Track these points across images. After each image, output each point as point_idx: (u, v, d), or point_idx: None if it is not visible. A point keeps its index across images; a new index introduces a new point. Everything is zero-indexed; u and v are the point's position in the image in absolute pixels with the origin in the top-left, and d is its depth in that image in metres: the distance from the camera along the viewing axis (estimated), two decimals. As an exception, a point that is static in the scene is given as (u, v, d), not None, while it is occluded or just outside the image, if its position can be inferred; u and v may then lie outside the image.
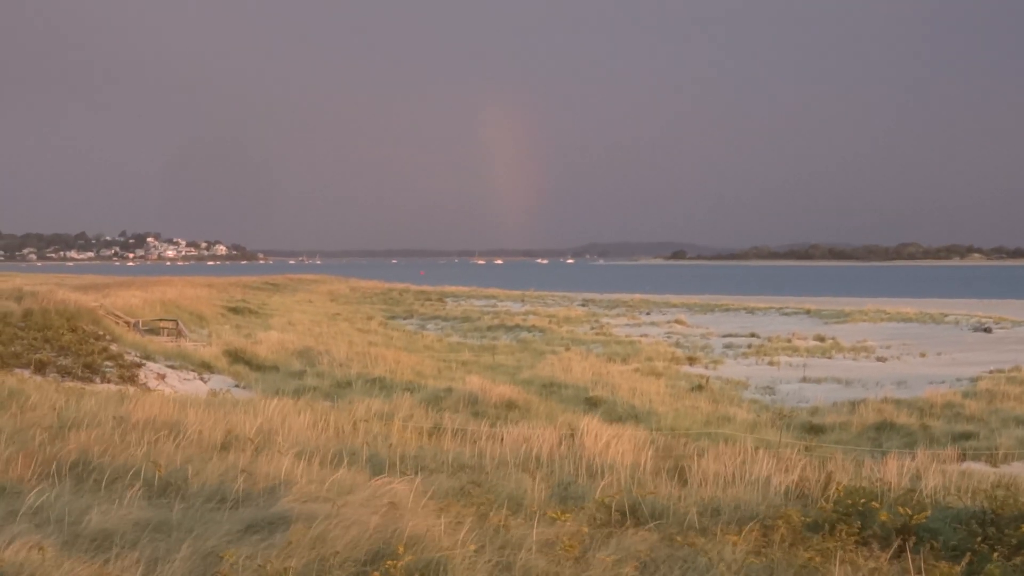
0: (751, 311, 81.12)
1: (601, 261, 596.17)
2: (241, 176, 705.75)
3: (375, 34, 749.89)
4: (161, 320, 45.58)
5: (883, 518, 9.53)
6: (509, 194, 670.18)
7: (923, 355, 47.27)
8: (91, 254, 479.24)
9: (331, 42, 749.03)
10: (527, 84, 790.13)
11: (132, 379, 29.14)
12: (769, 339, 54.74)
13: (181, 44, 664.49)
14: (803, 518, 9.75)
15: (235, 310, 62.54)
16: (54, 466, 11.00)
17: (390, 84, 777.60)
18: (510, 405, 26.52)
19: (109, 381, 28.24)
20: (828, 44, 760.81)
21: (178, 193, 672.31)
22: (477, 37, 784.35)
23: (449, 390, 28.55)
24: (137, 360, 32.12)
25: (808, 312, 77.74)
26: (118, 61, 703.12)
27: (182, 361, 34.00)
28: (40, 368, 27.71)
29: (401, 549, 8.09)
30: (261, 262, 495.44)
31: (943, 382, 36.40)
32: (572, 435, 15.38)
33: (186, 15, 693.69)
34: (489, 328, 62.07)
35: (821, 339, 54.85)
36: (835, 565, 8.39)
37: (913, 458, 15.59)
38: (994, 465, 21.86)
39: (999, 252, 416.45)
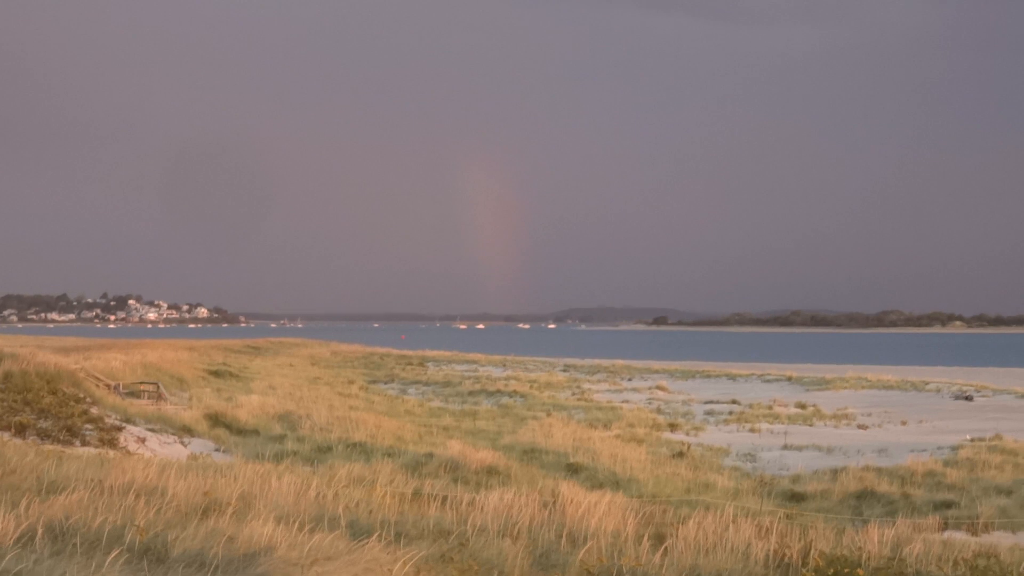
0: (732, 378, 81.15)
1: (583, 326, 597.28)
2: (223, 239, 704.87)
3: (354, 96, 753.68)
4: (142, 383, 45.37)
5: (864, 587, 9.51)
6: (491, 259, 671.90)
7: (904, 423, 47.32)
8: (72, 316, 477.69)
9: (310, 104, 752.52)
10: (509, 148, 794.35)
11: (112, 442, 28.97)
12: (750, 406, 54.74)
13: (161, 105, 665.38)
14: (784, 586, 9.73)
15: (216, 373, 62.31)
16: (33, 530, 10.93)
17: (369, 147, 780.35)
18: (491, 471, 26.44)
19: (89, 444, 28.07)
20: (809, 114, 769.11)
21: (160, 256, 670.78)
22: (458, 99, 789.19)
23: (430, 455, 28.46)
24: (118, 423, 31.96)
25: (789, 379, 77.81)
26: (102, 125, 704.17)
27: (162, 424, 33.83)
28: (20, 431, 27.53)
29: (382, 616, 8.05)
30: (243, 325, 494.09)
31: (924, 450, 36.43)
32: (554, 501, 15.36)
33: (167, 75, 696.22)
34: (470, 393, 61.94)
35: (802, 406, 54.86)
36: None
37: (894, 526, 15.60)
38: (975, 534, 21.87)
39: (980, 320, 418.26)
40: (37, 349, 48.74)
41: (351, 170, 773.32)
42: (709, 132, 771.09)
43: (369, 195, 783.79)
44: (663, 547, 12.07)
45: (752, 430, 44.32)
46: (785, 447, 38.26)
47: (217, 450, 31.15)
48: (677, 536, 12.53)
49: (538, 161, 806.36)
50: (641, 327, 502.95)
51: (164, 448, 30.10)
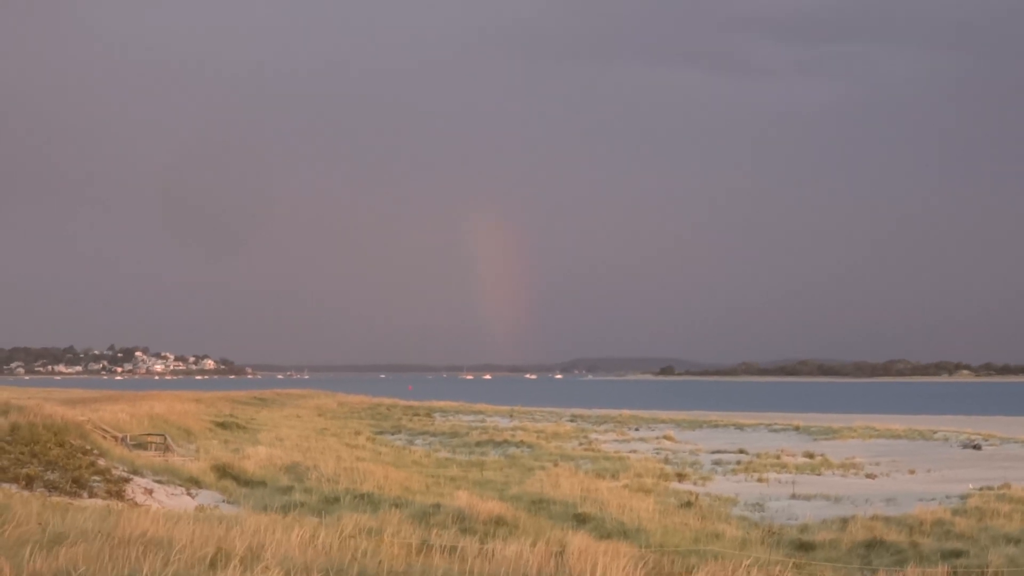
0: (740, 427, 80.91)
1: (590, 376, 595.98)
2: (230, 290, 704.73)
3: (356, 147, 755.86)
4: (149, 435, 45.35)
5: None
6: (497, 309, 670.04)
7: (912, 472, 47.13)
8: (79, 368, 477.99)
9: (312, 155, 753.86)
10: (516, 199, 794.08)
11: (120, 494, 28.93)
12: (758, 455, 54.56)
13: (161, 160, 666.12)
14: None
15: (223, 425, 62.24)
16: (41, 582, 10.91)
17: (375, 196, 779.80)
18: (499, 521, 26.35)
19: (97, 496, 28.04)
20: (817, 166, 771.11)
21: (167, 307, 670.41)
22: (464, 151, 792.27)
23: (438, 506, 28.38)
24: (125, 475, 31.93)
25: (797, 428, 77.56)
26: (108, 177, 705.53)
27: (170, 476, 33.79)
28: (27, 483, 27.51)
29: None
30: (249, 376, 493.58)
31: (933, 499, 36.26)
32: (562, 551, 15.32)
33: (168, 128, 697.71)
34: (477, 443, 61.78)
35: (810, 456, 54.66)
36: None
37: (903, 576, 15.53)
38: (985, 583, 21.73)
39: (987, 368, 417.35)
40: (44, 401, 48.77)
41: (356, 221, 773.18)
42: (716, 184, 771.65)
43: (374, 246, 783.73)
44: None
45: (760, 480, 44.15)
46: (793, 496, 38.10)
47: (224, 501, 31.09)
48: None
49: (545, 212, 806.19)
50: (648, 377, 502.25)
51: (171, 499, 30.05)
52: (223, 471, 36.37)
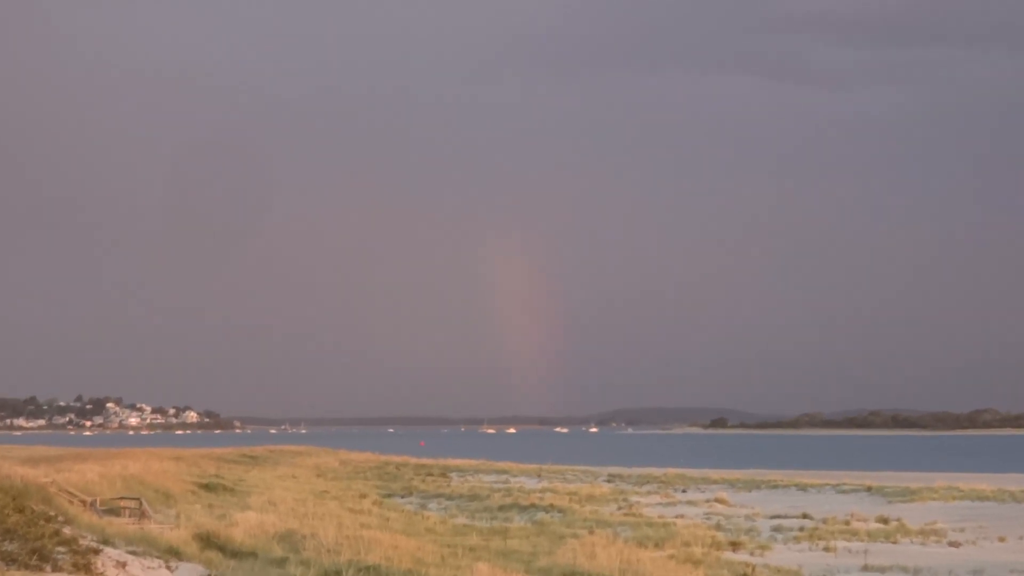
0: (803, 488, 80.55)
1: (629, 430, 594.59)
2: (215, 332, 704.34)
3: (366, 176, 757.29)
4: (122, 499, 45.39)
5: None
6: (522, 354, 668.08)
7: (1003, 539, 46.78)
8: (42, 422, 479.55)
9: (320, 177, 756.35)
10: (543, 228, 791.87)
11: (88, 567, 28.92)
12: (824, 521, 54.28)
13: (144, 198, 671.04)
14: None
15: (208, 487, 62.32)
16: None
17: (383, 221, 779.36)
18: (524, 598, 26.26)
19: (62, 569, 28.05)
20: (886, 184, 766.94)
21: (143, 352, 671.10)
22: (485, 175, 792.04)
23: (454, 580, 28.31)
24: (94, 545, 31.93)
25: (869, 489, 77.16)
26: (70, 212, 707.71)
27: (146, 546, 33.79)
28: (-19, 554, 27.53)
29: None
30: (238, 431, 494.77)
31: (1028, 571, 35.96)
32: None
33: (153, 166, 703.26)
34: (500, 508, 61.67)
35: (884, 521, 54.33)
36: None
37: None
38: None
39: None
40: (1, 460, 48.91)
41: (362, 257, 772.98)
42: (771, 206, 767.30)
43: (382, 284, 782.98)
44: None
45: (827, 549, 43.91)
46: (865, 568, 37.87)
47: (209, 575, 31.07)
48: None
49: (576, 242, 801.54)
50: (697, 430, 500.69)
51: (147, 573, 30.04)
52: (207, 540, 36.35)
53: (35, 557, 28.62)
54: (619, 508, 63.30)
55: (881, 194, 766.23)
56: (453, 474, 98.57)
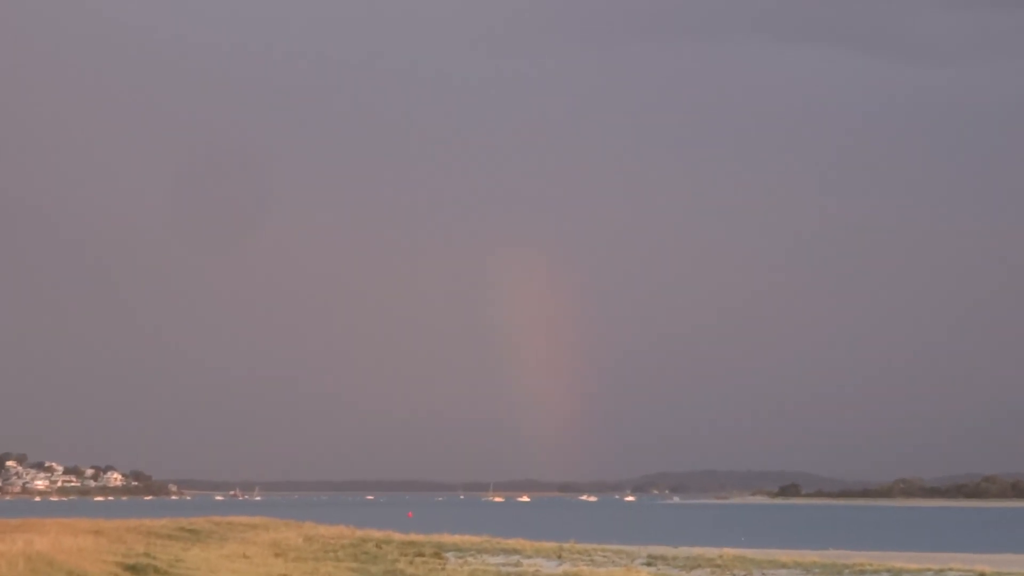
0: (897, 574, 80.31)
1: (676, 499, 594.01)
2: (146, 373, 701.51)
3: (349, 182, 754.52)
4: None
5: None
6: (539, 404, 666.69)
7: None
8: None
9: (296, 208, 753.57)
10: (563, 251, 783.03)
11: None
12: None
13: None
14: None
15: (134, 569, 62.14)
16: None
17: (363, 237, 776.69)
18: None
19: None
20: (986, 177, 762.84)
21: (54, 399, 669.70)
22: (490, 184, 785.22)
23: None
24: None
25: (983, 576, 76.96)
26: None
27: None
28: None
29: None
30: (174, 497, 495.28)
31: None
32: None
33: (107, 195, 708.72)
34: (510, 598, 61.54)
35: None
36: None
37: None
38: None
39: None
40: None
41: (338, 278, 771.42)
42: (847, 210, 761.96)
43: (363, 311, 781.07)
44: None
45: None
46: None
47: None
48: None
49: (605, 263, 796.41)
50: (761, 499, 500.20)
51: None
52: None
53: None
54: (663, 599, 63.18)
55: (998, 196, 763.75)
56: (450, 554, 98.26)
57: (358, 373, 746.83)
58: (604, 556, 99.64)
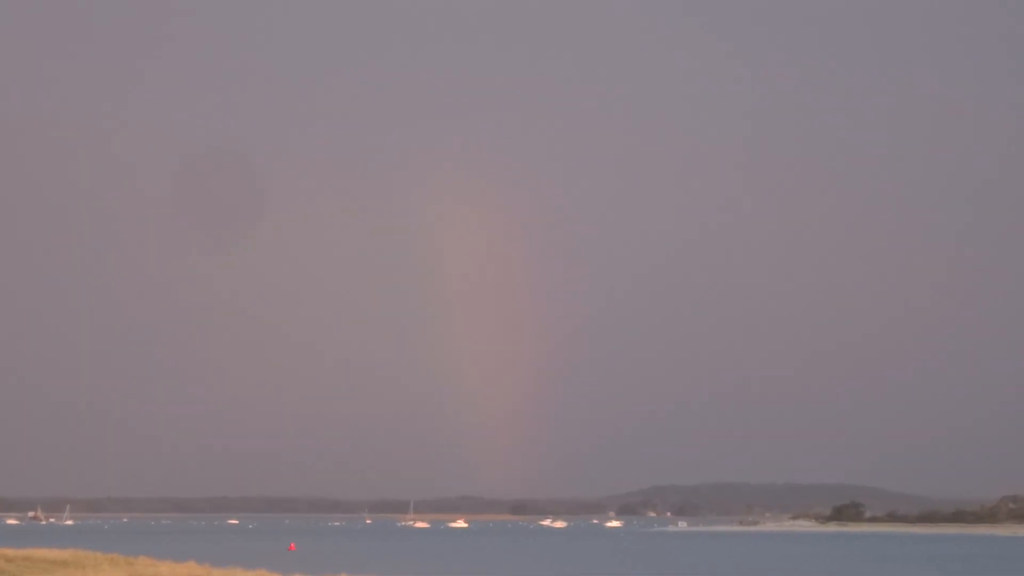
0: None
1: (681, 524, 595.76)
2: None
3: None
4: None
5: None
6: (481, 391, 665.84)
7: None
8: None
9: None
10: (517, 185, 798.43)
11: None
12: None
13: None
14: None
15: None
16: None
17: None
18: None
19: None
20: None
21: None
22: (422, 96, 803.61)
23: None
24: None
25: None
26: None
27: None
28: None
29: None
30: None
31: None
32: None
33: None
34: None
35: None
36: None
37: None
38: None
39: None
40: None
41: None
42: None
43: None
44: None
45: None
46: None
47: None
48: None
49: (577, 209, 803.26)
50: (807, 525, 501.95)
51: None
52: None
53: None
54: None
55: None
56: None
57: (216, 352, 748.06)
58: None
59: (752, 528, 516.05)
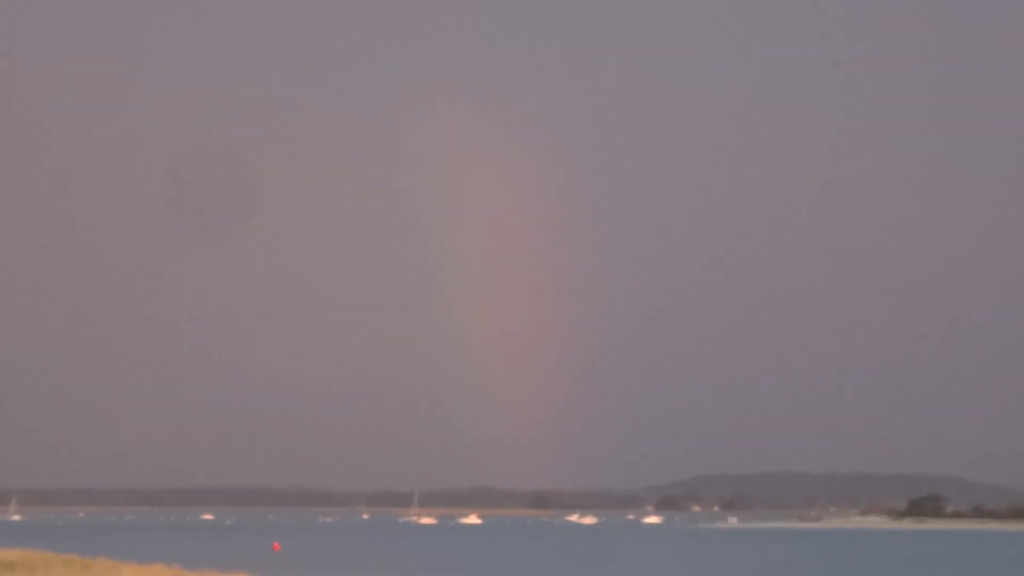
0: None
1: (732, 520, 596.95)
2: None
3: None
4: None
5: None
6: (500, 368, 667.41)
7: None
8: None
9: None
10: (543, 139, 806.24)
11: None
12: None
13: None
14: None
15: None
16: None
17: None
18: None
19: None
20: None
21: None
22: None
23: None
24: None
25: None
26: None
27: None
28: None
29: None
30: None
31: None
32: None
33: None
34: None
35: None
36: None
37: None
38: None
39: None
40: None
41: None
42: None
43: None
44: None
45: None
46: None
47: None
48: None
49: (611, 171, 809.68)
50: (878, 522, 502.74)
51: None
52: None
53: None
54: None
55: None
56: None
57: (192, 323, 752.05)
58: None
59: (814, 525, 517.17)
